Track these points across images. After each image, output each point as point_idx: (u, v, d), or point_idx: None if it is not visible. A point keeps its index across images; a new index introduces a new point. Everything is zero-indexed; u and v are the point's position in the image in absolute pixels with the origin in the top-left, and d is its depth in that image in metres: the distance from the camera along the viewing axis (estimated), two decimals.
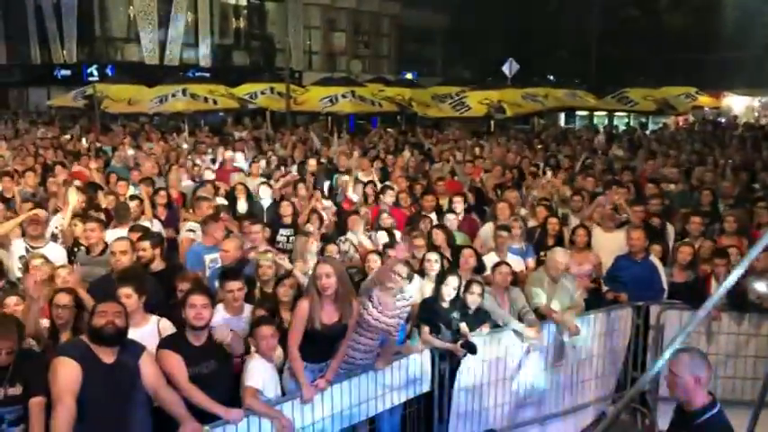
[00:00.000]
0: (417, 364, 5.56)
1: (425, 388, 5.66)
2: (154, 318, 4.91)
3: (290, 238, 8.27)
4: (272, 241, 8.01)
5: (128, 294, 4.71)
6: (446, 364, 5.73)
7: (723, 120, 29.34)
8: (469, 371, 5.86)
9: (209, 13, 31.07)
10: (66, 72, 28.94)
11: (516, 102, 22.61)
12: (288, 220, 8.42)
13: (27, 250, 6.78)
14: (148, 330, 4.76)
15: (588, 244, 7.37)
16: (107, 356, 4.12)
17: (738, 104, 33.78)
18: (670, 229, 8.42)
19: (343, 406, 5.04)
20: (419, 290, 6.02)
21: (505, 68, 25.09)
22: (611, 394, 7.01)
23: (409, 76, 35.44)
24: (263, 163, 12.37)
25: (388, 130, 21.74)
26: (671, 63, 32.28)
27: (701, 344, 6.28)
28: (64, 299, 4.92)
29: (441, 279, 5.86)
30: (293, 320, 4.82)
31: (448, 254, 6.94)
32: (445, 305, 5.65)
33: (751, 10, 30.72)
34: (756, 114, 34.74)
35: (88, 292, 5.40)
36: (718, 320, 6.54)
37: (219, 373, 4.47)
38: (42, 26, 29.48)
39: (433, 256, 6.31)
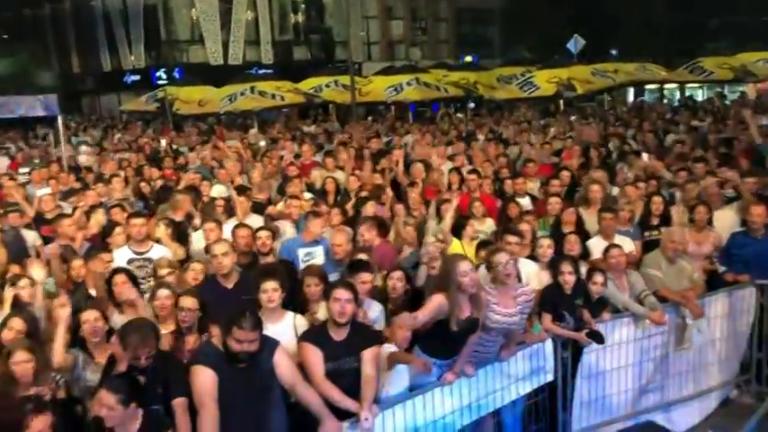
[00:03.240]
0: (541, 354, 5.42)
1: (549, 377, 5.52)
2: (289, 314, 4.89)
3: None
4: None
5: (275, 288, 4.71)
6: (568, 353, 5.56)
7: None
8: (592, 358, 5.69)
9: (268, 10, 31.34)
10: (136, 77, 29.75)
11: (586, 79, 21.99)
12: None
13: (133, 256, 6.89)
14: (284, 326, 4.74)
15: (709, 222, 7.01)
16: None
17: None
18: None
19: (471, 399, 4.94)
20: (536, 276, 5.85)
21: (570, 45, 24.45)
22: (735, 378, 6.70)
23: (468, 59, 35.01)
24: (342, 154, 12.38)
25: (458, 115, 21.48)
26: (746, 27, 30.80)
27: None
28: (189, 302, 4.97)
29: (555, 266, 5.68)
30: (426, 310, 4.57)
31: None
32: (567, 292, 5.47)
33: None
34: None
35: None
36: None
37: (359, 371, 4.40)
38: (111, 33, 30.33)
39: (546, 241, 6.11)
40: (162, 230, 7.09)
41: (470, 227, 7.05)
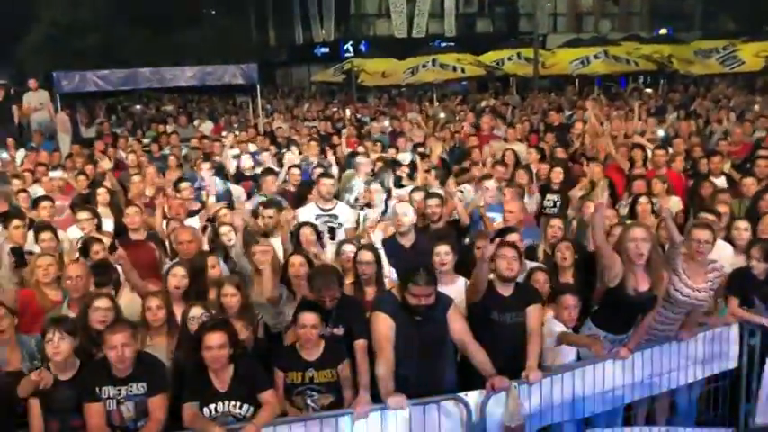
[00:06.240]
0: (724, 338, 5.14)
1: (732, 364, 5.22)
2: (461, 279, 5.09)
3: (557, 204, 8.12)
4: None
5: (447, 252, 4.96)
6: (757, 340, 5.22)
7: None
8: None
9: None
10: (325, 50, 31.32)
11: None
12: (556, 186, 8.26)
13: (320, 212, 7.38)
14: (455, 290, 4.92)
15: None
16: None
17: None
18: None
19: (643, 375, 4.84)
20: (730, 259, 5.52)
21: None
22: None
23: (663, 31, 32.78)
24: (518, 127, 12.33)
25: (648, 90, 20.30)
26: None
27: None
28: (366, 255, 5.27)
29: (747, 250, 5.34)
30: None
31: None
32: (760, 277, 5.13)
33: None
34: None
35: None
36: None
37: (524, 326, 4.53)
38: (305, 8, 32.13)
39: (743, 223, 5.74)
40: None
41: (640, 206, 6.76)
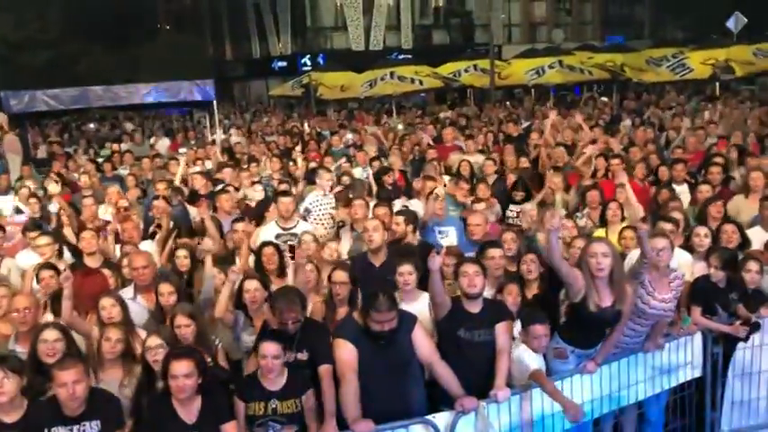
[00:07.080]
0: (688, 348, 5.16)
1: (696, 373, 5.25)
2: (425, 294, 4.95)
3: (519, 215, 8.13)
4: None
5: (410, 272, 4.86)
6: (719, 349, 5.26)
7: None
8: (746, 356, 5.33)
9: None
10: (283, 63, 31.18)
11: (747, 60, 20.29)
12: (519, 197, 8.27)
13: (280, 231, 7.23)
14: (419, 306, 4.84)
15: None
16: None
17: None
18: None
19: (611, 389, 4.82)
20: (689, 267, 5.56)
21: (730, 24, 22.58)
22: None
23: (616, 40, 33.46)
24: (480, 138, 12.36)
25: (603, 99, 20.63)
26: None
27: None
28: (341, 276, 5.13)
29: (707, 257, 5.38)
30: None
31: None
32: (721, 285, 5.17)
33: None
34: None
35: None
36: None
37: (492, 344, 4.45)
38: (261, 22, 31.96)
39: (702, 230, 5.79)
40: None
41: (610, 211, 6.78)
